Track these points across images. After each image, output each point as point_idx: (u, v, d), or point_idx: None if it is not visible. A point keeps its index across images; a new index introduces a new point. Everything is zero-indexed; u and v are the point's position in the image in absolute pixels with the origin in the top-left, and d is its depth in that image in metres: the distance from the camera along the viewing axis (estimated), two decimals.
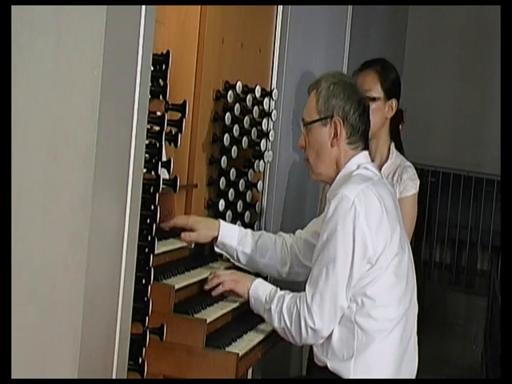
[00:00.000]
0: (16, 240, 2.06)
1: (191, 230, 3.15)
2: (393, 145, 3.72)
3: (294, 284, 3.36)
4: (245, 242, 3.24)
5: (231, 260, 3.28)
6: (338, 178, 2.96)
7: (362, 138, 2.98)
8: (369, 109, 3.05)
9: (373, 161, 3.08)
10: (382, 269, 2.82)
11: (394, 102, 3.68)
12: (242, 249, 3.23)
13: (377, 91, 3.62)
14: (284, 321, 2.85)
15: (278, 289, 2.95)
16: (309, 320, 2.80)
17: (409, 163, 3.70)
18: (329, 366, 2.87)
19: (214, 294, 3.01)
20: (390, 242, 2.84)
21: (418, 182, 3.66)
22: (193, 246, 3.20)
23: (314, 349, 2.93)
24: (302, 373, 3.84)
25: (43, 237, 2.07)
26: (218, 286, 3.02)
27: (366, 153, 3.01)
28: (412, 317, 2.98)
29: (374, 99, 3.59)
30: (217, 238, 3.22)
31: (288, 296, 2.89)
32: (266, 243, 3.25)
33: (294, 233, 3.33)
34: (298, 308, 2.82)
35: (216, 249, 3.25)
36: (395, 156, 3.69)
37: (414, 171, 3.69)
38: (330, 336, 2.86)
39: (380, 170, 3.46)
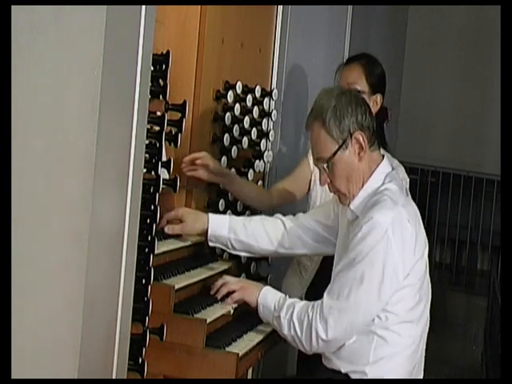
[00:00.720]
0: (16, 240, 2.06)
1: (180, 222, 3.11)
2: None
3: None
4: (236, 229, 3.17)
5: (226, 250, 3.24)
6: (363, 190, 2.87)
7: (374, 134, 2.91)
8: (365, 100, 2.99)
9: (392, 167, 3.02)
10: (410, 286, 2.80)
11: (378, 96, 3.61)
12: (234, 237, 3.16)
13: (362, 84, 3.55)
14: (294, 329, 2.82)
15: (287, 297, 2.93)
16: (320, 331, 2.76)
17: (397, 162, 3.64)
18: (343, 371, 2.85)
19: (223, 302, 2.98)
20: (420, 262, 2.82)
21: (408, 180, 3.64)
22: (189, 242, 3.14)
23: (327, 353, 2.90)
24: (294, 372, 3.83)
25: (43, 237, 2.07)
26: (226, 293, 3.00)
27: (386, 160, 2.93)
28: (425, 335, 2.97)
29: (358, 92, 3.47)
30: (207, 232, 3.17)
31: (298, 304, 2.85)
32: (257, 227, 3.18)
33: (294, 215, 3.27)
34: (309, 318, 2.78)
35: (210, 243, 3.20)
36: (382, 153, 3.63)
37: (403, 169, 3.64)
38: (349, 343, 2.83)
39: None
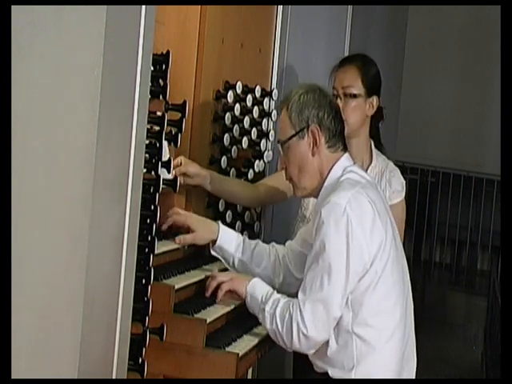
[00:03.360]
0: (16, 240, 2.06)
1: (188, 230, 3.12)
2: (373, 144, 3.62)
3: None
4: (242, 249, 3.19)
5: (226, 265, 3.23)
6: (324, 187, 2.91)
7: (339, 138, 2.94)
8: (339, 108, 3.03)
9: (354, 162, 3.02)
10: (377, 273, 2.80)
11: (375, 99, 3.55)
12: (238, 255, 3.18)
13: (358, 88, 3.50)
14: (276, 323, 2.82)
15: (275, 291, 2.93)
16: (301, 326, 2.77)
17: (392, 164, 3.62)
18: (330, 373, 2.86)
19: (217, 299, 2.99)
20: (384, 244, 2.82)
21: (404, 182, 3.62)
22: (186, 247, 3.14)
23: (312, 358, 2.91)
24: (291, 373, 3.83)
25: (43, 237, 2.07)
26: (217, 288, 3.00)
27: (347, 155, 2.97)
28: (410, 317, 2.97)
29: (354, 96, 3.49)
30: (215, 241, 3.17)
31: (283, 300, 2.86)
32: (261, 253, 3.20)
33: (284, 244, 3.28)
34: (290, 313, 2.79)
35: (212, 252, 3.20)
36: (377, 156, 3.59)
37: (399, 172, 3.62)
38: (328, 347, 2.84)
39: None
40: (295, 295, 2.87)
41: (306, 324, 2.77)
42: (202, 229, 3.13)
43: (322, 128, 2.91)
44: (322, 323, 2.78)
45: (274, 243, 3.29)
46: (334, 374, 2.85)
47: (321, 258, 2.77)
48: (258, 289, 2.94)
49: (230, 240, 3.19)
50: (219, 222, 3.24)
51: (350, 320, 2.81)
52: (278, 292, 2.95)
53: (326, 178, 2.92)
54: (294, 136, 2.92)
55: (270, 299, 2.88)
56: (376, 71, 3.59)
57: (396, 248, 2.91)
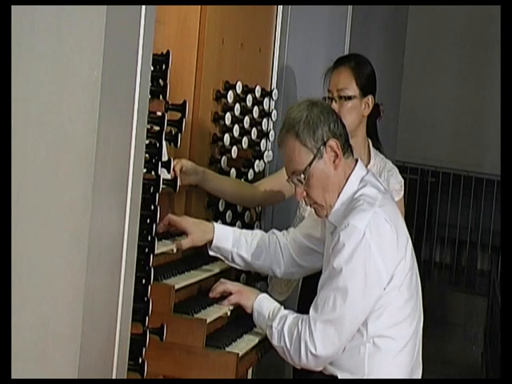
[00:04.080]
0: (16, 240, 2.06)
1: (184, 233, 3.09)
2: (370, 143, 3.62)
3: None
4: (239, 243, 3.17)
5: (225, 261, 3.22)
6: (339, 199, 2.86)
7: (347, 141, 2.91)
8: (335, 111, 2.98)
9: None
10: (396, 287, 2.78)
11: (370, 98, 3.53)
12: (236, 251, 3.17)
13: (352, 89, 3.48)
14: (284, 341, 2.80)
15: (282, 307, 2.91)
16: (310, 344, 2.75)
17: (390, 163, 3.61)
18: (339, 376, 2.84)
19: (220, 303, 2.97)
20: (404, 258, 2.80)
21: (402, 181, 3.61)
22: (175, 250, 3.06)
23: None
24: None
25: (43, 237, 2.07)
26: (222, 291, 3.00)
27: (360, 163, 2.93)
28: (420, 328, 2.95)
29: (349, 98, 3.47)
30: (211, 241, 3.16)
31: (291, 316, 2.84)
32: (260, 245, 3.19)
33: (286, 229, 3.27)
34: (299, 330, 2.77)
35: (210, 252, 3.19)
36: (375, 156, 3.59)
37: (397, 171, 3.62)
38: (340, 354, 2.81)
39: None
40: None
41: (315, 343, 2.74)
42: (197, 231, 3.10)
43: (337, 138, 2.84)
44: (332, 343, 2.76)
45: (274, 230, 3.26)
46: (344, 377, 2.84)
47: (337, 278, 2.73)
48: (265, 305, 2.92)
49: (226, 238, 3.16)
50: (213, 222, 3.22)
51: (365, 331, 2.79)
52: (285, 307, 2.93)
53: (342, 190, 2.86)
54: (313, 160, 2.83)
55: (278, 316, 2.85)
56: (370, 70, 3.58)
57: (412, 258, 2.88)
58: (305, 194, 2.88)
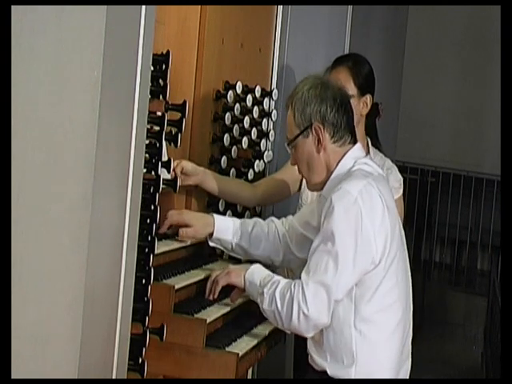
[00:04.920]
0: (16, 240, 2.06)
1: (186, 226, 3.14)
2: (369, 142, 3.62)
3: None
4: (239, 233, 3.21)
5: (225, 251, 3.26)
6: (332, 177, 2.90)
7: (346, 131, 2.93)
8: (347, 99, 2.99)
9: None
10: (384, 269, 2.80)
11: (368, 97, 3.55)
12: (236, 241, 3.21)
13: (350, 89, 3.47)
14: (275, 303, 2.80)
15: (275, 275, 2.92)
16: (303, 305, 2.75)
17: (389, 161, 3.61)
18: (328, 372, 2.85)
19: (215, 297, 2.98)
20: (391, 239, 2.82)
21: (402, 179, 3.62)
22: (189, 242, 3.17)
23: (311, 351, 2.91)
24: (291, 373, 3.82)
25: (43, 237, 2.07)
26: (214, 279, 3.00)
27: (359, 145, 2.96)
28: (409, 316, 2.97)
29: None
30: (212, 233, 3.20)
31: (283, 281, 2.85)
32: (259, 234, 3.21)
33: (285, 217, 3.28)
34: (291, 292, 2.77)
35: (211, 243, 3.22)
36: (374, 154, 3.58)
37: (397, 169, 3.62)
38: (328, 341, 2.83)
39: None
40: (295, 270, 2.85)
41: (307, 303, 2.75)
42: (198, 223, 3.16)
43: (325, 124, 2.89)
44: (323, 305, 2.76)
45: (273, 218, 3.29)
46: (333, 370, 2.84)
47: (328, 242, 2.76)
48: (256, 274, 2.93)
49: (226, 229, 3.21)
50: (213, 214, 3.24)
51: (353, 316, 2.80)
52: (278, 269, 2.94)
53: (334, 170, 2.91)
54: (298, 135, 2.92)
55: (269, 282, 2.86)
56: (368, 70, 3.59)
57: (402, 244, 2.91)
58: (295, 162, 2.99)
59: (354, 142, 2.96)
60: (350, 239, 2.75)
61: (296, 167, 3.02)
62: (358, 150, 2.95)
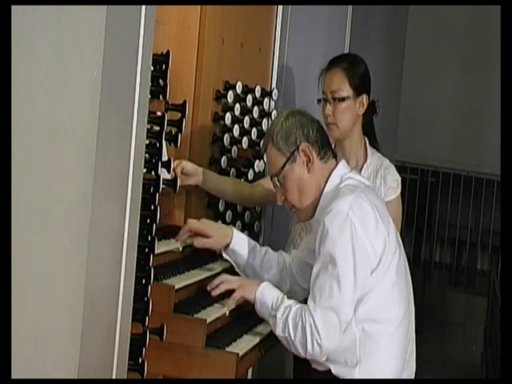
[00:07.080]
0: (16, 240, 2.07)
1: (204, 235, 3.12)
2: (367, 142, 3.62)
3: None
4: (254, 253, 3.20)
5: (236, 269, 3.22)
6: (322, 197, 2.93)
7: (328, 147, 2.98)
8: (316, 119, 3.03)
9: (348, 163, 3.06)
10: (384, 268, 2.82)
11: (364, 97, 3.53)
12: (250, 260, 3.19)
13: (345, 90, 3.48)
14: (288, 331, 2.81)
15: (285, 296, 2.92)
16: (316, 335, 2.76)
17: (387, 161, 3.61)
18: (333, 371, 2.85)
19: (216, 293, 2.98)
20: (388, 241, 2.83)
21: (400, 179, 3.61)
22: (180, 248, 3.12)
23: None
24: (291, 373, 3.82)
25: (43, 237, 2.07)
26: (225, 290, 2.99)
27: (343, 162, 3.00)
28: (411, 317, 2.98)
29: (343, 99, 3.47)
30: (228, 244, 3.18)
31: (295, 306, 2.85)
32: (270, 260, 3.21)
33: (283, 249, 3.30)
34: (303, 322, 2.78)
35: (224, 255, 3.20)
36: (372, 154, 3.59)
37: (394, 169, 3.62)
38: None
39: (360, 171, 3.44)
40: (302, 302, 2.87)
41: (319, 333, 2.76)
42: (217, 234, 3.16)
43: (310, 143, 2.93)
44: (334, 330, 2.77)
45: (281, 251, 3.29)
46: (337, 371, 2.85)
47: (329, 266, 2.77)
48: (267, 294, 2.93)
49: (243, 244, 3.20)
50: (232, 226, 3.25)
51: (354, 317, 2.81)
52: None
53: (324, 188, 2.93)
54: (286, 163, 2.93)
55: (282, 306, 2.86)
56: (363, 70, 3.58)
57: (399, 246, 2.92)
58: (283, 198, 2.99)
59: (334, 156, 3.00)
60: (350, 257, 2.76)
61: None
62: (342, 167, 2.99)
